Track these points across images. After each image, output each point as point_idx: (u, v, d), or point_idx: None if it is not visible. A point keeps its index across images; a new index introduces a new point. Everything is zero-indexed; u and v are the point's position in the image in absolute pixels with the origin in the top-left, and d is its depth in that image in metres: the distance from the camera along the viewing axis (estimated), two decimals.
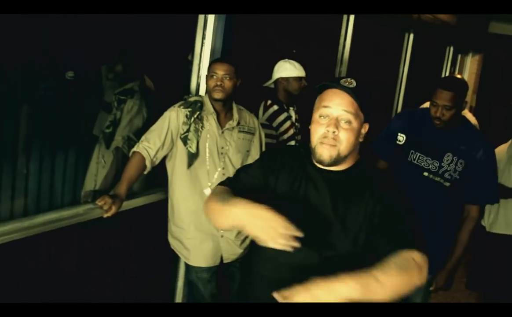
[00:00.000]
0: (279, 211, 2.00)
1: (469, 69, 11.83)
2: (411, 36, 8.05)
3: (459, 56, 11.23)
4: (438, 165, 3.55)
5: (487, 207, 4.49)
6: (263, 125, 4.12)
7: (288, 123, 4.38)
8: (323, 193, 2.22)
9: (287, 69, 4.43)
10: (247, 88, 3.78)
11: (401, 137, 3.72)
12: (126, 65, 4.12)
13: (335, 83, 2.20)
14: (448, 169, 3.54)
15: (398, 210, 2.20)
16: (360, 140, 2.26)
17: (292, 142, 4.38)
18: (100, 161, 4.01)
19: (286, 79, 4.42)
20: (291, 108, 4.51)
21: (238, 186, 2.33)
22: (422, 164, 3.59)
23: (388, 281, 1.92)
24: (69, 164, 3.84)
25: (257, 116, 4.21)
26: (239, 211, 2.07)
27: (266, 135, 4.07)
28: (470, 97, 11.98)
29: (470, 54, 11.80)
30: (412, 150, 3.64)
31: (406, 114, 3.90)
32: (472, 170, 3.54)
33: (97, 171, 4.00)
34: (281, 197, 2.26)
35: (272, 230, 1.94)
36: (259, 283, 2.35)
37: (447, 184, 3.55)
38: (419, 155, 3.60)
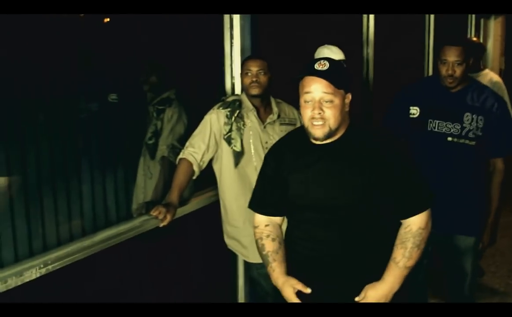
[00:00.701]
0: (291, 195, 2.65)
1: (494, 32, 11.70)
2: None
3: (482, 20, 11.11)
4: (460, 127, 3.55)
5: None
6: None
7: None
8: (325, 161, 2.57)
9: (326, 54, 4.42)
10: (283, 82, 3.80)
11: (415, 110, 3.71)
12: (160, 75, 4.15)
13: (310, 70, 2.48)
14: (471, 128, 3.54)
15: (403, 172, 2.57)
16: (346, 109, 2.55)
17: None
18: (146, 172, 4.04)
19: None
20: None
21: (267, 203, 2.82)
22: (444, 129, 3.58)
23: (413, 262, 2.54)
24: (119, 179, 3.88)
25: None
26: (277, 277, 2.72)
27: None
28: (498, 60, 11.86)
29: (493, 17, 11.67)
30: (430, 120, 3.63)
31: (412, 86, 3.87)
32: (491, 124, 3.55)
33: (145, 182, 4.04)
34: (293, 173, 2.65)
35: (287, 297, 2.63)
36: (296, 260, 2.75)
37: (473, 143, 3.55)
38: (438, 123, 3.59)
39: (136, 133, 4.17)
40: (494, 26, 11.73)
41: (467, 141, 3.55)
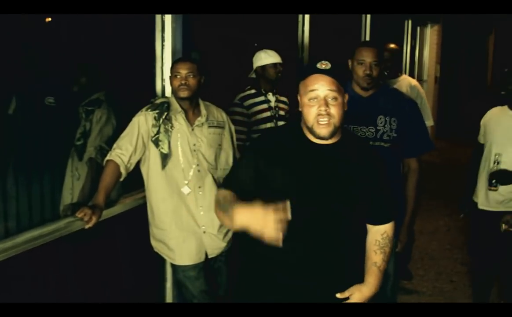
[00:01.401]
0: (282, 191, 2.48)
1: (430, 40, 11.98)
2: (368, 16, 8.12)
3: (418, 28, 11.36)
4: (374, 130, 3.63)
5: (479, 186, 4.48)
6: (235, 105, 4.54)
7: (263, 106, 4.70)
8: (323, 164, 2.58)
9: (262, 58, 4.74)
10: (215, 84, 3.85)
11: None
12: (89, 76, 4.14)
13: (314, 69, 2.50)
14: (385, 130, 3.62)
15: (383, 181, 2.72)
16: (345, 109, 2.58)
17: (268, 125, 4.67)
18: (74, 173, 4.02)
19: (262, 67, 4.72)
20: (270, 94, 4.78)
21: (237, 185, 2.62)
22: (359, 133, 3.65)
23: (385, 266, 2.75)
24: (46, 180, 3.85)
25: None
26: (239, 220, 2.33)
27: (237, 114, 4.49)
28: (434, 67, 12.14)
29: (429, 25, 11.94)
30: (345, 125, 3.69)
31: None
32: (404, 125, 3.65)
33: (72, 184, 4.01)
34: (281, 177, 2.57)
35: (269, 228, 2.22)
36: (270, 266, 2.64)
37: (388, 144, 3.63)
38: (353, 127, 3.65)
39: (66, 134, 4.15)
40: (431, 34, 12.01)
41: (382, 144, 3.62)
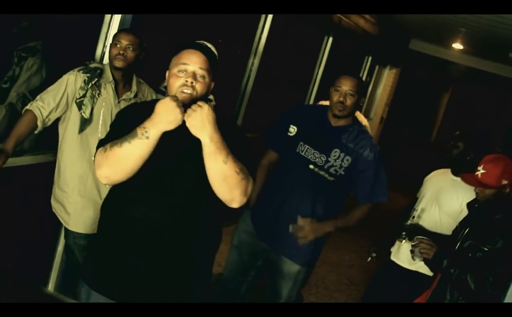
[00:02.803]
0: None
1: (385, 81, 12.16)
2: (330, 39, 8.22)
3: (377, 67, 11.52)
4: (324, 159, 3.64)
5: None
6: (160, 92, 4.27)
7: None
8: (178, 137, 2.47)
9: None
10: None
11: (293, 129, 3.79)
12: (32, 22, 4.07)
13: (192, 44, 2.59)
14: (334, 165, 3.64)
15: (245, 149, 2.65)
16: (208, 95, 2.61)
17: None
18: None
19: None
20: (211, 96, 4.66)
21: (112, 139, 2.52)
22: (309, 156, 3.67)
23: (231, 162, 2.45)
24: None
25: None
26: (155, 126, 2.39)
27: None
28: (382, 108, 12.34)
29: (388, 67, 12.12)
30: (301, 142, 3.71)
31: (300, 107, 3.97)
32: (358, 168, 3.65)
33: None
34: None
35: (173, 111, 2.38)
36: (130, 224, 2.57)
37: (331, 178, 3.65)
38: (307, 148, 3.68)
39: None
40: (387, 75, 12.19)
41: (326, 175, 3.64)
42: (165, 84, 4.36)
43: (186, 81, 2.50)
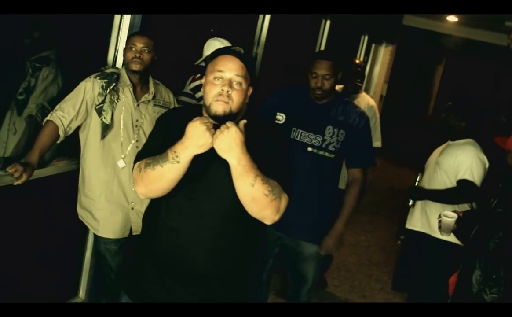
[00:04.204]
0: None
1: (382, 59, 12.15)
2: (328, 22, 8.21)
3: (373, 45, 11.52)
4: (321, 139, 3.70)
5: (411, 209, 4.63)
6: (186, 94, 4.40)
7: None
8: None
9: (216, 46, 4.54)
10: (165, 66, 3.84)
11: (281, 116, 3.82)
12: (43, 32, 4.05)
13: (228, 50, 2.56)
14: (331, 141, 3.70)
15: (283, 159, 2.65)
16: (246, 101, 2.59)
17: None
18: (11, 128, 3.94)
19: None
20: None
21: (152, 153, 2.54)
22: (305, 140, 3.72)
23: (259, 185, 2.40)
24: None
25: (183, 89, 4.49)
26: (182, 150, 2.38)
27: (186, 103, 4.34)
28: (381, 86, 12.35)
29: (384, 45, 12.11)
30: (294, 128, 3.75)
31: (281, 92, 3.94)
32: (352, 137, 3.73)
33: (8, 137, 3.93)
34: None
35: (203, 135, 2.34)
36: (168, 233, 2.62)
37: (332, 155, 3.72)
38: (301, 132, 3.72)
39: (8, 86, 4.06)
40: (384, 53, 12.19)
41: (326, 154, 3.70)
42: (191, 86, 4.44)
43: (222, 90, 2.47)
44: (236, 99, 2.49)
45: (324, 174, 3.75)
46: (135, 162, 2.59)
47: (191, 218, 2.57)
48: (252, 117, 2.59)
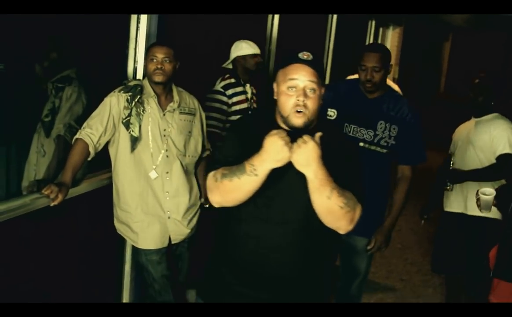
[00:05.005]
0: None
1: (391, 42, 12.15)
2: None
3: (381, 29, 11.51)
4: (373, 134, 3.69)
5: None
6: (217, 92, 4.53)
7: (242, 97, 4.72)
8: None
9: (243, 48, 4.74)
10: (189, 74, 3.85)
11: (332, 112, 3.82)
12: (61, 52, 4.07)
13: (297, 58, 2.50)
14: (383, 136, 3.68)
15: (355, 167, 2.63)
16: (321, 103, 2.57)
17: None
18: (40, 150, 3.97)
19: (243, 57, 4.73)
20: (247, 85, 4.82)
21: (226, 162, 2.57)
22: (357, 135, 3.70)
23: (335, 197, 2.41)
24: (12, 154, 3.79)
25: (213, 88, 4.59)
26: (260, 164, 2.40)
27: (218, 101, 4.53)
28: (393, 69, 12.32)
29: (391, 27, 12.10)
30: (346, 124, 3.75)
31: (332, 88, 3.95)
32: (404, 133, 3.70)
33: (37, 160, 3.96)
34: None
35: (281, 150, 2.35)
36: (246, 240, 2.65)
37: (384, 150, 3.70)
38: (353, 127, 3.71)
39: (29, 108, 4.08)
40: (392, 36, 12.18)
41: (378, 149, 3.69)
42: (222, 84, 4.46)
43: (298, 100, 2.47)
44: (311, 107, 2.49)
45: (376, 169, 3.70)
46: (208, 171, 2.63)
47: (270, 225, 2.58)
48: (325, 125, 2.62)
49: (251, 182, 2.43)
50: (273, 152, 2.36)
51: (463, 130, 4.58)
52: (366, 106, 3.73)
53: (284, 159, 2.37)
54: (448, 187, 4.43)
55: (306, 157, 2.35)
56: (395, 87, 5.80)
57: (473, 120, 4.50)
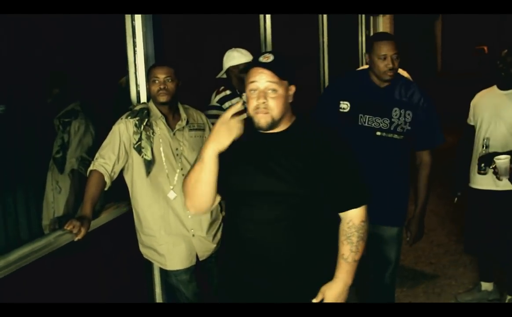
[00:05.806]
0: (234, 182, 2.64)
1: (383, 28, 12.11)
2: None
3: (371, 18, 11.50)
4: (389, 121, 3.67)
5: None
6: (214, 107, 4.43)
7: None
8: (266, 151, 2.62)
9: (235, 57, 4.63)
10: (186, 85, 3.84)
11: (345, 105, 3.80)
12: (62, 86, 4.08)
13: (256, 62, 2.58)
14: (399, 123, 3.67)
15: (345, 166, 2.68)
16: (290, 101, 2.64)
17: None
18: (55, 187, 3.97)
19: (236, 66, 4.59)
20: (244, 95, 4.60)
21: None
22: (373, 124, 3.69)
23: (360, 255, 2.67)
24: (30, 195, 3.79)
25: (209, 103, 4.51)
26: (209, 146, 2.52)
27: (216, 117, 4.25)
28: None
29: (381, 15, 12.09)
30: (360, 114, 3.73)
31: (342, 81, 3.95)
32: (418, 117, 3.69)
33: (54, 197, 3.96)
34: (237, 161, 2.66)
35: (232, 125, 2.52)
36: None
37: (401, 137, 3.69)
38: (368, 117, 3.70)
39: (39, 147, 4.09)
40: (383, 23, 12.16)
41: (395, 136, 3.68)
42: (217, 98, 4.44)
43: (258, 102, 2.53)
44: (274, 106, 2.54)
45: (395, 157, 3.72)
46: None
47: (260, 225, 2.62)
48: (308, 125, 2.71)
49: (201, 170, 2.56)
50: (214, 133, 2.51)
51: (487, 102, 4.50)
52: (379, 95, 3.72)
53: (223, 139, 2.51)
54: (483, 171, 4.35)
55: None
56: (404, 73, 5.80)
57: (497, 91, 4.43)
